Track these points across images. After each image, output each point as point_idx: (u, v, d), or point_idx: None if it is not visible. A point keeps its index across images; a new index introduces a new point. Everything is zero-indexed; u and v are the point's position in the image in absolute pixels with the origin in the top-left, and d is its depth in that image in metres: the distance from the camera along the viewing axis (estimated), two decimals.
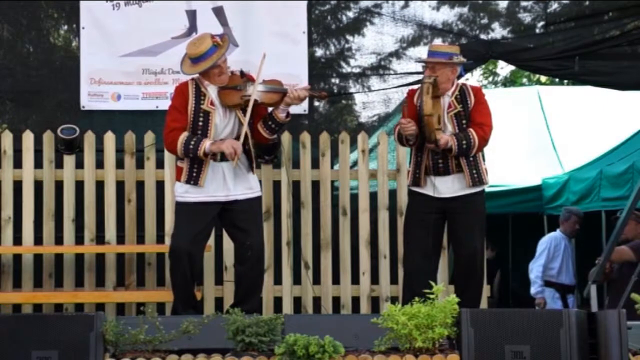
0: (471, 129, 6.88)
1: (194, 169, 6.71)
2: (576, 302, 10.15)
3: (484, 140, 6.94)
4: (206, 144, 6.63)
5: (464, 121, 6.92)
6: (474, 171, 6.92)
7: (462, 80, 7.28)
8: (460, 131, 6.87)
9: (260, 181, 7.21)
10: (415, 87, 7.30)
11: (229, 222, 6.87)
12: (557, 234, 10.36)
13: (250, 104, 6.69)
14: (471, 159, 6.91)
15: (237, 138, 6.75)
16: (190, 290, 6.79)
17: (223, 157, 6.74)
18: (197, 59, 6.67)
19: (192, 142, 6.63)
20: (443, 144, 6.76)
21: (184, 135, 6.65)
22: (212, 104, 6.73)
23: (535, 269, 10.28)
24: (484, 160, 7.11)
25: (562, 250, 10.22)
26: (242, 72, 6.83)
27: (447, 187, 6.91)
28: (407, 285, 7.00)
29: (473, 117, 6.94)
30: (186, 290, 6.75)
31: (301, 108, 8.01)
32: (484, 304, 7.71)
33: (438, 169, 6.91)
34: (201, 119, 6.70)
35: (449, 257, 7.69)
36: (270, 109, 6.83)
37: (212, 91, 6.76)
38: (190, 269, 6.69)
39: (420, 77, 7.54)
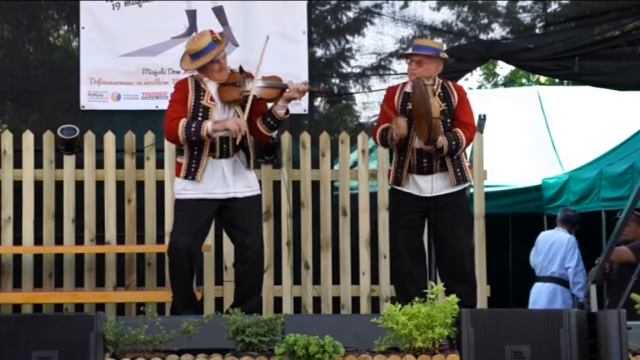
0: (459, 130, 6.86)
1: (193, 164, 6.70)
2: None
3: (470, 141, 6.99)
4: (208, 125, 6.60)
5: (448, 120, 6.90)
6: (458, 170, 6.92)
7: (461, 81, 7.28)
8: (449, 131, 6.86)
9: (260, 181, 7.21)
10: (394, 84, 7.33)
11: (229, 222, 6.86)
12: (567, 234, 10.33)
13: (250, 99, 6.69)
14: (455, 157, 6.91)
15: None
16: (190, 289, 6.78)
17: (222, 154, 6.74)
18: (197, 54, 6.67)
19: (194, 125, 6.61)
20: (438, 145, 6.76)
21: (183, 120, 6.62)
22: (211, 99, 6.73)
23: (580, 274, 10.15)
24: (466, 158, 7.13)
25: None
26: (241, 69, 6.84)
27: (430, 186, 6.90)
28: (400, 286, 7.00)
29: (457, 115, 6.92)
30: (185, 287, 6.73)
31: (301, 108, 8.01)
32: (483, 304, 7.72)
33: (422, 168, 6.90)
34: (200, 114, 6.70)
35: None
36: (269, 105, 6.83)
37: (211, 87, 6.76)
38: (190, 265, 6.68)
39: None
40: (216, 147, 6.71)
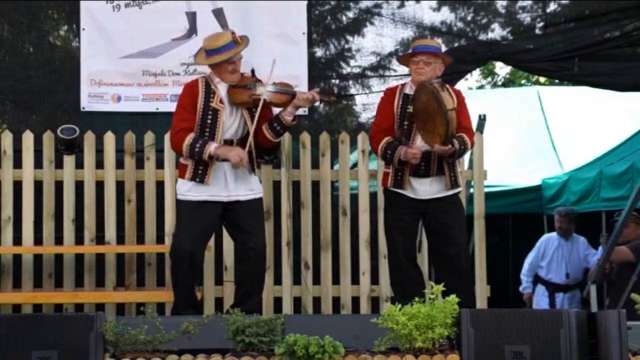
0: (464, 135, 6.87)
1: (200, 166, 6.71)
2: (568, 300, 10.13)
3: (472, 146, 7.01)
4: (211, 148, 6.63)
5: None
6: (452, 174, 6.94)
7: (461, 81, 7.28)
8: (454, 136, 6.86)
9: (260, 181, 7.22)
10: (392, 86, 7.34)
11: (232, 223, 6.87)
12: (552, 234, 10.40)
13: (260, 104, 6.70)
14: (450, 162, 6.92)
15: (244, 138, 6.77)
16: (191, 290, 6.79)
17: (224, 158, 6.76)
18: (213, 51, 6.69)
19: (198, 145, 6.63)
20: (454, 144, 6.76)
21: (190, 137, 6.66)
22: (221, 102, 6.75)
23: (523, 267, 10.38)
24: (459, 164, 7.15)
25: (554, 249, 10.22)
26: (253, 72, 6.86)
27: (425, 189, 6.91)
28: (398, 286, 7.01)
29: (458, 120, 6.89)
30: (187, 290, 6.75)
31: (301, 108, 8.01)
32: (483, 304, 7.73)
33: (419, 171, 6.91)
34: (210, 116, 6.71)
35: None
36: (277, 111, 6.84)
37: (222, 89, 6.77)
38: (192, 268, 6.69)
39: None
40: None
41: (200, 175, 6.70)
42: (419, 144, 6.86)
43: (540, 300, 10.28)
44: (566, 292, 10.17)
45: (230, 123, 6.77)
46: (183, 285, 6.72)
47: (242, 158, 6.65)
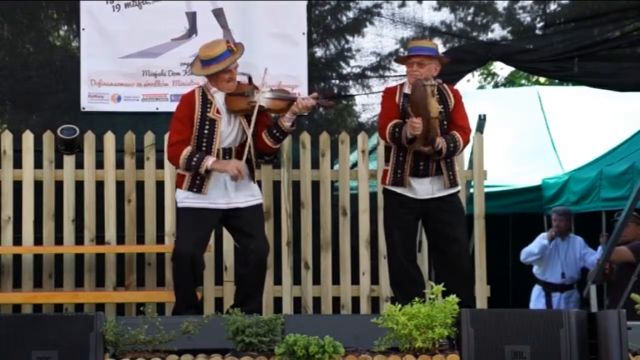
0: (456, 133, 6.88)
1: (197, 178, 6.71)
2: (564, 300, 10.12)
3: (466, 145, 7.03)
4: (208, 163, 6.63)
5: (445, 122, 6.90)
6: (451, 173, 6.95)
7: (463, 82, 7.29)
8: (446, 134, 6.86)
9: (259, 181, 7.22)
10: (391, 85, 7.33)
11: (233, 228, 6.89)
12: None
13: (255, 110, 6.70)
14: (448, 161, 6.92)
15: (242, 145, 6.76)
16: (193, 293, 6.81)
17: None
18: (209, 61, 6.68)
19: (195, 159, 6.63)
20: (437, 147, 6.77)
21: (186, 151, 6.65)
22: (218, 112, 6.73)
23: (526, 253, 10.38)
24: (457, 163, 7.15)
25: (550, 249, 10.23)
26: (250, 79, 6.85)
27: (424, 188, 6.92)
28: (398, 286, 7.01)
29: (454, 118, 6.92)
30: (189, 293, 6.77)
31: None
32: (483, 304, 7.73)
33: (418, 171, 6.92)
34: (207, 127, 6.70)
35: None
36: (275, 116, 6.84)
37: (218, 98, 6.76)
38: (193, 272, 6.71)
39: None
40: (219, 159, 6.71)
41: (197, 186, 6.71)
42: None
43: (537, 301, 10.27)
44: (562, 291, 10.16)
45: (228, 132, 6.76)
46: (185, 287, 6.73)
47: (240, 170, 6.65)
